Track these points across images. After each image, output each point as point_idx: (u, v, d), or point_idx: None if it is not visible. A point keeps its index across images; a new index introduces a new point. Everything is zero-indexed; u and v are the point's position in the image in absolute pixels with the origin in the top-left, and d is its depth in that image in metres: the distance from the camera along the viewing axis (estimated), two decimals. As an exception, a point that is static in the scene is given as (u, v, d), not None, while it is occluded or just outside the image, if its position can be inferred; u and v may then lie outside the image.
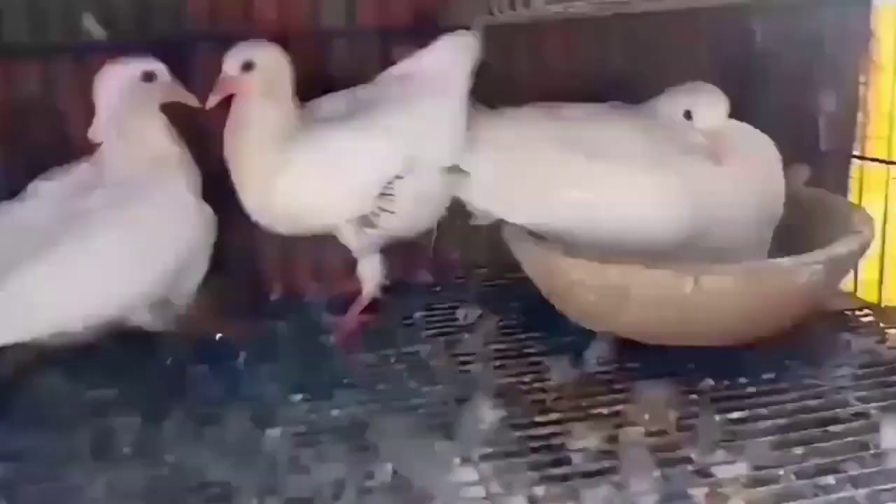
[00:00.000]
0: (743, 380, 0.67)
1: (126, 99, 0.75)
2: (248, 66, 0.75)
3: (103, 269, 0.71)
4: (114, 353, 0.79)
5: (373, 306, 0.87)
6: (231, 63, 0.75)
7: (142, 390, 0.72)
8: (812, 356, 0.70)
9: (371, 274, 0.83)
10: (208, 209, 0.78)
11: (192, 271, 0.78)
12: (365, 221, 0.79)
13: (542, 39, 0.96)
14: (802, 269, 0.65)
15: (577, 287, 0.71)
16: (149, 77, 0.76)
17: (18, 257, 0.69)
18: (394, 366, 0.75)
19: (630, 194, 0.76)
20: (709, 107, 0.77)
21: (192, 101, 0.77)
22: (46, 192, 0.75)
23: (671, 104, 0.79)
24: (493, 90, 0.90)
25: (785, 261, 0.66)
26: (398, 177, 0.78)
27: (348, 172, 0.77)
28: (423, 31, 0.87)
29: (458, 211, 0.93)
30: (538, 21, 0.90)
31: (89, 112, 0.77)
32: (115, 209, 0.72)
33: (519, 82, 0.95)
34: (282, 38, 0.80)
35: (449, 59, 0.82)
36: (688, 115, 0.77)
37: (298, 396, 0.69)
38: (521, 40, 0.95)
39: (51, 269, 0.69)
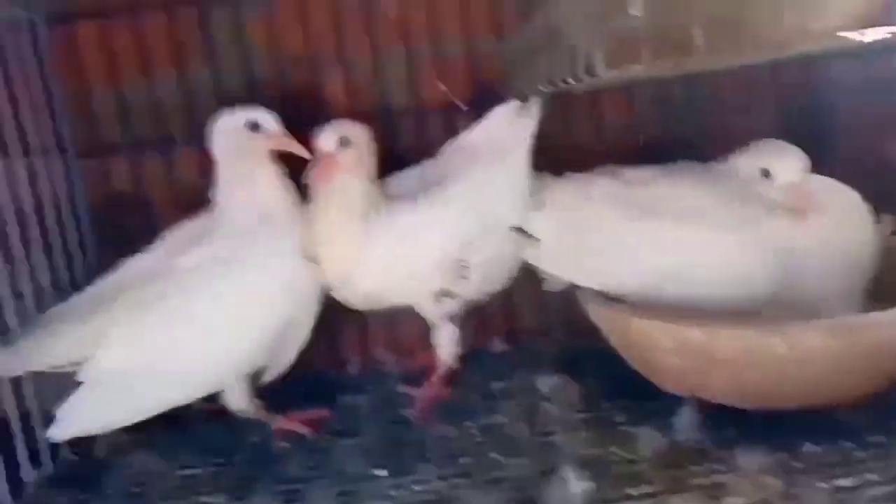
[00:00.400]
0: (848, 443, 0.63)
1: (233, 148, 0.78)
2: (345, 143, 0.78)
3: (203, 332, 0.71)
4: (201, 430, 0.82)
5: (449, 377, 0.87)
6: (328, 139, 0.77)
7: (229, 467, 0.73)
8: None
9: (448, 342, 0.83)
10: (312, 271, 0.78)
11: (294, 340, 0.78)
12: (443, 291, 0.80)
13: (601, 105, 0.97)
14: (894, 324, 0.61)
15: (659, 350, 0.69)
16: (254, 126, 0.78)
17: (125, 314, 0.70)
18: (474, 438, 0.74)
19: (705, 253, 0.74)
20: (787, 163, 0.75)
21: (301, 151, 0.79)
22: (163, 243, 0.77)
23: (746, 163, 0.78)
24: (555, 157, 0.91)
25: (876, 314, 0.63)
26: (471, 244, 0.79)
27: (429, 246, 0.79)
28: (484, 104, 0.90)
29: (531, 277, 0.94)
30: (597, 86, 0.91)
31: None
32: (218, 271, 0.73)
33: (580, 148, 0.96)
34: (351, 117, 0.84)
35: (507, 127, 0.84)
36: (766, 173, 0.76)
37: (382, 472, 0.69)
38: (581, 106, 0.97)
39: (149, 333, 0.70)
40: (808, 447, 0.63)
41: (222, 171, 0.78)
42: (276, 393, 0.84)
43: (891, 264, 0.75)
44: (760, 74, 0.96)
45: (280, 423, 0.79)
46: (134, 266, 0.76)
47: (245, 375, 0.77)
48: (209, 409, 0.82)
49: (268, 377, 0.80)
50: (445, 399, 0.83)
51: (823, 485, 0.58)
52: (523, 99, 0.85)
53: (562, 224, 0.83)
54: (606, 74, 0.62)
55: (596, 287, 0.79)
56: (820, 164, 0.77)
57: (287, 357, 0.79)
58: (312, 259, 0.78)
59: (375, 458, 0.71)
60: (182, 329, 0.71)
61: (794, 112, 0.96)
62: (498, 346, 0.98)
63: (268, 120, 0.79)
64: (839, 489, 0.57)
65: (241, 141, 0.78)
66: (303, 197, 0.81)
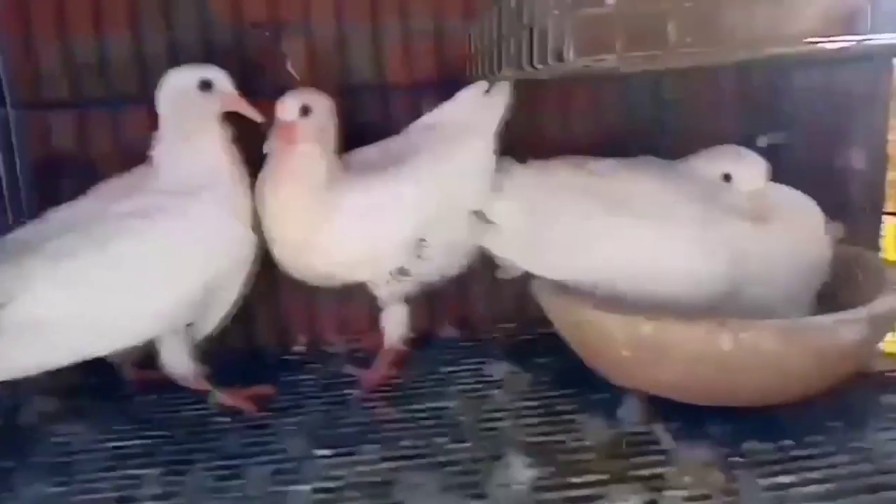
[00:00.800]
0: (788, 442, 0.64)
1: (182, 106, 0.74)
2: (305, 111, 0.75)
3: (127, 281, 0.68)
4: (136, 402, 0.79)
5: (397, 359, 0.85)
6: (290, 106, 0.74)
7: (163, 441, 0.71)
8: (857, 418, 0.67)
9: (396, 324, 0.82)
10: (249, 235, 0.75)
11: (222, 299, 0.76)
12: (400, 270, 0.79)
13: (569, 94, 0.97)
14: (844, 327, 0.63)
15: (610, 342, 0.69)
16: (206, 85, 0.75)
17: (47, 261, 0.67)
18: (421, 421, 0.73)
19: (663, 249, 0.75)
20: (749, 170, 0.76)
21: (252, 113, 0.76)
22: (95, 193, 0.74)
23: (708, 165, 0.78)
24: (520, 144, 0.91)
25: (827, 318, 0.65)
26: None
27: (390, 222, 0.77)
28: (450, 86, 0.89)
29: (485, 264, 0.94)
30: (566, 76, 0.91)
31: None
32: (149, 218, 0.70)
33: (546, 136, 0.96)
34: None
35: (474, 109, 0.83)
36: (727, 177, 0.77)
37: (323, 451, 0.67)
38: (549, 95, 0.96)
39: (72, 279, 0.67)
40: (750, 444, 0.64)
41: (166, 128, 0.75)
42: (218, 368, 0.81)
43: (834, 270, 0.77)
44: (727, 78, 0.97)
45: (221, 397, 0.77)
46: (62, 214, 0.73)
47: (178, 333, 0.74)
48: (144, 378, 0.79)
49: (194, 336, 0.77)
50: (392, 381, 0.82)
51: (763, 481, 0.58)
52: (491, 82, 0.84)
53: (521, 211, 0.82)
54: (577, 62, 0.62)
55: (551, 277, 0.79)
56: (777, 171, 0.78)
57: (214, 317, 0.77)
58: (264, 232, 0.76)
59: (317, 437, 0.70)
60: (106, 276, 0.68)
61: (757, 118, 0.98)
62: (449, 331, 0.97)
63: (221, 80, 0.76)
64: (778, 486, 0.58)
65: (191, 99, 0.75)
66: (252, 166, 0.78)
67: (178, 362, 0.75)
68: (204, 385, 0.77)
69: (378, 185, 0.77)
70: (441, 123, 0.83)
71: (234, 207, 0.75)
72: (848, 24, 0.62)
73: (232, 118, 0.78)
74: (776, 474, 0.59)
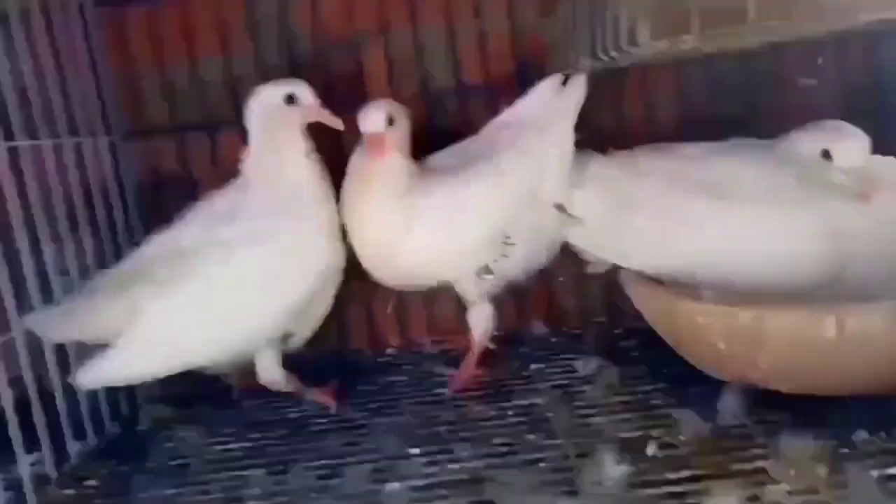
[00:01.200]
0: (902, 432, 0.60)
1: (268, 121, 0.78)
2: (391, 122, 0.77)
3: (234, 299, 0.73)
4: (241, 407, 0.83)
5: (488, 358, 0.86)
6: (377, 119, 0.77)
7: (267, 443, 0.74)
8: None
9: (482, 322, 0.82)
10: (339, 248, 0.79)
11: (315, 308, 0.80)
12: (485, 269, 0.79)
13: (651, 81, 0.94)
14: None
15: (705, 333, 0.67)
16: (291, 99, 0.79)
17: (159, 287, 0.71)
18: (511, 419, 0.73)
19: (756, 233, 0.72)
20: (849, 146, 0.72)
21: (335, 123, 0.79)
22: (194, 217, 0.78)
23: (806, 144, 0.74)
24: (603, 135, 0.90)
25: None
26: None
27: (475, 219, 0.78)
28: (528, 83, 0.88)
29: (572, 260, 0.93)
30: (647, 64, 0.89)
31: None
32: (246, 244, 0.73)
33: (630, 126, 0.94)
34: (394, 97, 0.85)
35: (551, 102, 0.83)
36: (825, 154, 0.73)
37: (416, 450, 0.68)
38: (631, 83, 0.94)
39: (181, 304, 0.72)
40: (859, 435, 0.61)
41: (255, 143, 0.79)
42: (316, 370, 0.85)
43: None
44: (823, 52, 0.92)
45: (314, 394, 0.81)
46: (168, 237, 0.77)
47: (274, 343, 0.78)
48: (246, 385, 0.83)
49: (293, 344, 0.81)
50: (482, 379, 0.82)
51: (873, 473, 0.55)
52: (569, 75, 0.83)
53: (608, 202, 0.81)
54: (651, 46, 0.60)
55: (640, 268, 0.77)
56: (882, 144, 0.73)
57: (311, 326, 0.81)
58: (352, 240, 0.79)
59: (411, 437, 0.71)
60: (211, 301, 0.72)
61: (858, 91, 0.92)
62: (539, 328, 0.96)
63: (304, 92, 0.79)
64: (891, 477, 0.54)
65: (277, 114, 0.78)
66: (332, 175, 0.81)
67: (272, 371, 0.78)
68: (296, 387, 0.80)
69: (457, 184, 0.78)
70: (517, 120, 0.83)
71: (322, 221, 0.78)
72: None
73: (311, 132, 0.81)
74: (888, 465, 0.56)
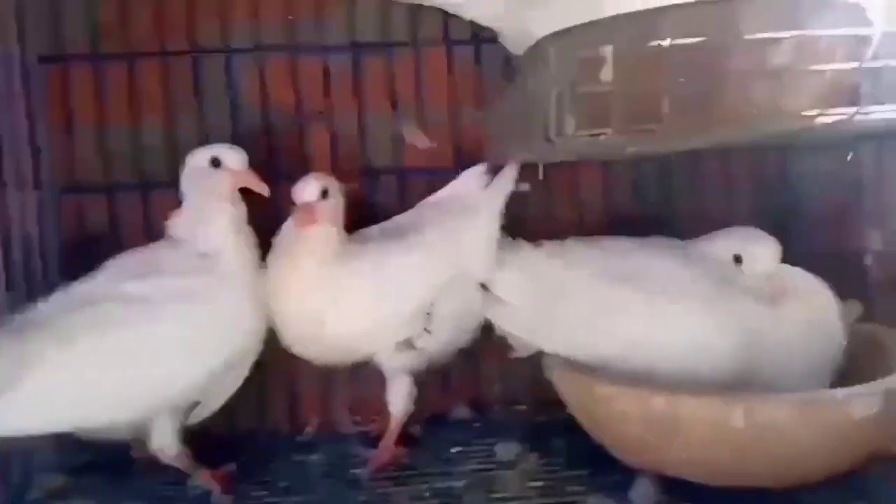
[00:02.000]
0: (807, 525, 0.61)
1: (197, 184, 0.78)
2: (325, 194, 0.78)
3: (127, 365, 0.69)
4: (141, 480, 0.78)
5: (407, 440, 0.84)
6: (312, 189, 0.77)
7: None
8: (878, 500, 0.64)
9: (401, 398, 0.81)
10: (260, 318, 0.77)
11: (229, 380, 0.77)
12: (407, 343, 0.79)
13: (580, 177, 0.99)
14: (858, 401, 0.61)
15: (622, 418, 0.68)
16: (216, 163, 0.78)
17: (59, 340, 0.68)
18: (427, 501, 0.71)
19: (676, 326, 0.74)
20: (761, 251, 0.76)
21: (262, 189, 0.79)
22: (111, 269, 0.75)
23: (720, 247, 0.79)
24: (533, 227, 0.93)
25: (840, 391, 0.63)
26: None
27: (397, 293, 0.79)
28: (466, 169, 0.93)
29: (498, 344, 0.93)
30: (575, 159, 0.94)
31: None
32: (166, 300, 0.71)
33: (559, 219, 0.98)
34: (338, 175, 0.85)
35: (480, 186, 0.87)
36: (738, 258, 0.77)
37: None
38: (561, 179, 0.99)
39: (83, 356, 0.68)
40: (767, 526, 0.61)
41: (185, 206, 0.79)
42: (228, 448, 0.82)
43: (853, 350, 0.75)
44: (739, 161, 0.99)
45: (201, 476, 0.76)
46: (79, 289, 0.74)
47: (177, 411, 0.75)
48: (148, 459, 0.79)
49: (196, 417, 0.78)
50: (401, 460, 0.80)
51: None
52: (502, 165, 0.87)
53: (534, 289, 0.83)
54: (576, 137, 0.64)
55: (563, 354, 0.79)
56: (785, 252, 0.78)
57: (219, 398, 0.78)
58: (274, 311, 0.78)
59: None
60: (110, 357, 0.69)
61: (770, 200, 0.99)
62: (462, 412, 0.95)
63: (231, 157, 0.79)
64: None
65: (205, 177, 0.78)
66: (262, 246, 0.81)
67: (166, 441, 0.74)
68: (186, 465, 0.76)
69: (382, 256, 0.79)
70: (447, 200, 0.86)
71: (245, 288, 0.76)
72: (847, 100, 0.64)
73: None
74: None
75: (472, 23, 0.94)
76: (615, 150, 0.76)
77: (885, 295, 0.89)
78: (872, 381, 0.64)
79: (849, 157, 0.92)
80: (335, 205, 0.79)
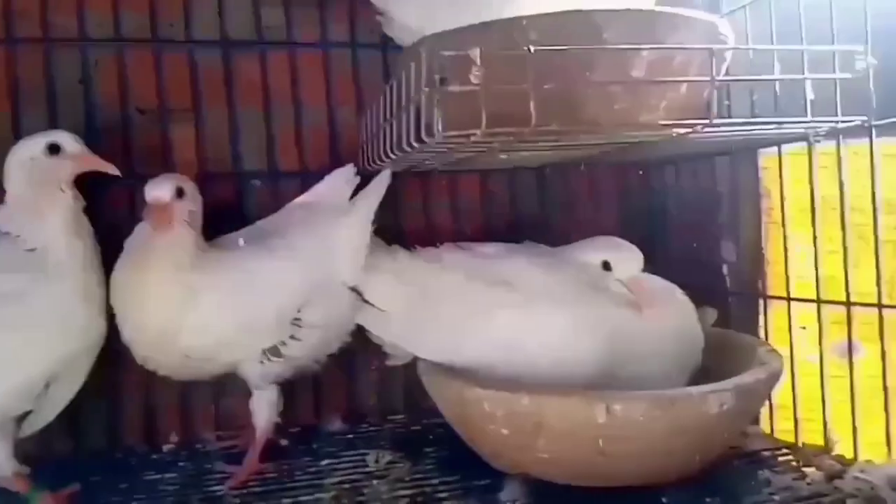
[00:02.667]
0: (663, 520, 0.63)
1: (29, 176, 0.71)
2: (180, 193, 0.73)
3: None
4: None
5: (276, 453, 0.80)
6: (164, 189, 0.72)
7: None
8: (732, 494, 0.67)
9: (266, 409, 0.77)
10: (99, 321, 0.71)
11: (63, 387, 0.71)
12: (273, 351, 0.76)
13: (458, 186, 0.99)
14: (712, 397, 0.63)
15: (490, 420, 0.68)
16: (54, 149, 0.72)
17: None
18: (289, 514, 0.68)
19: (542, 329, 0.75)
20: (627, 259, 0.79)
21: (110, 169, 0.74)
22: None
23: (589, 253, 0.80)
24: (412, 235, 0.93)
25: (694, 389, 0.66)
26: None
27: (262, 300, 0.75)
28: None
29: (374, 354, 0.91)
30: (457, 168, 0.94)
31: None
32: None
33: (437, 228, 0.98)
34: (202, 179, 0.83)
35: (343, 188, 0.85)
36: (606, 266, 0.79)
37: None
38: (440, 189, 0.99)
39: None
40: (626, 522, 0.63)
41: (12, 201, 0.72)
42: (78, 468, 0.76)
43: (708, 353, 0.79)
44: (606, 177, 1.03)
45: (40, 499, 0.69)
46: None
47: (4, 428, 0.68)
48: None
49: (30, 428, 0.71)
50: (266, 474, 0.76)
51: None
52: (376, 170, 0.86)
53: (409, 295, 0.82)
54: (446, 137, 0.64)
55: (436, 359, 0.78)
56: (651, 262, 0.81)
57: (55, 406, 0.72)
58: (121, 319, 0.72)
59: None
60: None
61: (634, 212, 1.03)
62: (336, 424, 0.92)
63: (69, 141, 0.73)
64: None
65: (39, 167, 0.72)
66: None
67: None
68: (23, 487, 0.69)
69: (245, 261, 0.76)
70: (315, 203, 0.84)
71: (80, 286, 0.70)
72: (701, 113, 0.67)
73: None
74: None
75: (350, 25, 0.93)
76: (488, 154, 0.76)
77: (738, 302, 0.94)
78: (725, 380, 0.67)
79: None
80: (192, 206, 0.75)
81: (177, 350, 0.73)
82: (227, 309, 0.73)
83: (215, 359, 0.76)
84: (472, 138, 0.64)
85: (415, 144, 0.68)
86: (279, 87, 0.93)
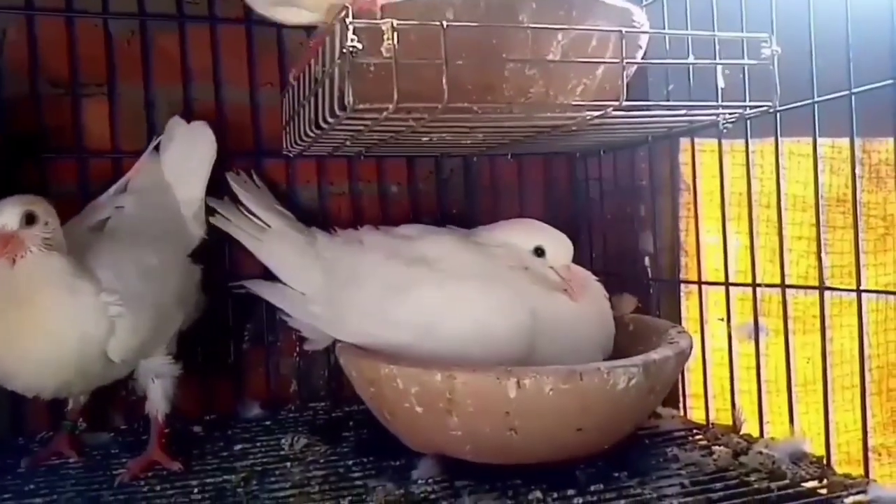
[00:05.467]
0: (571, 491, 0.63)
1: None
2: (30, 219, 0.67)
3: None
4: None
5: (187, 440, 0.79)
6: (9, 215, 0.66)
7: None
8: (641, 469, 0.68)
9: (158, 398, 0.75)
10: None
11: None
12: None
13: (385, 172, 0.99)
14: (620, 372, 0.64)
15: (404, 398, 0.67)
16: None
17: None
18: (194, 497, 0.66)
19: (462, 308, 0.74)
20: (560, 247, 0.79)
21: None
22: None
23: (519, 237, 0.80)
24: (339, 221, 0.92)
25: (604, 364, 0.66)
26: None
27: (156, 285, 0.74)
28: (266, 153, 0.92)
29: (296, 339, 0.90)
30: (382, 153, 0.94)
31: None
32: None
33: (364, 215, 0.97)
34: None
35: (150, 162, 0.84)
36: (538, 250, 0.79)
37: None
38: (367, 173, 0.98)
39: None
40: (535, 495, 0.63)
41: None
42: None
43: (625, 336, 0.81)
44: (533, 166, 1.04)
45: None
46: None
47: None
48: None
49: None
50: (169, 462, 0.73)
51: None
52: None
53: (328, 278, 0.81)
54: (357, 111, 0.64)
55: (356, 341, 0.77)
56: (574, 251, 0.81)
57: None
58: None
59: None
60: None
61: (558, 201, 1.04)
62: (254, 410, 0.90)
63: None
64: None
65: None
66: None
67: None
68: None
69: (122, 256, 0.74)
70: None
71: None
72: (614, 96, 0.68)
73: None
74: (554, 518, 0.58)
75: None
76: (407, 134, 0.76)
77: (658, 291, 0.96)
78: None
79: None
80: (46, 234, 0.68)
81: (98, 370, 0.71)
82: (144, 314, 0.72)
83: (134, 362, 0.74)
84: (385, 113, 0.63)
85: (330, 120, 0.67)
86: (199, 65, 0.91)
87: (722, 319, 0.89)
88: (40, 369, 0.68)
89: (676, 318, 0.97)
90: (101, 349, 0.69)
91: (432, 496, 0.64)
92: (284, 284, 0.84)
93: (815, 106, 0.71)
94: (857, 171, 1.18)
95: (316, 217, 0.94)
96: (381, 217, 0.97)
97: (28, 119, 0.84)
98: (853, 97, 0.67)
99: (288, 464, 0.73)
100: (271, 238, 0.86)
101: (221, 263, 0.90)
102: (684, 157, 0.99)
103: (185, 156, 0.85)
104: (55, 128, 0.86)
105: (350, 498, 0.64)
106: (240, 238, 0.86)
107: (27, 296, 0.66)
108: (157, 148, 0.86)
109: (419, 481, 0.66)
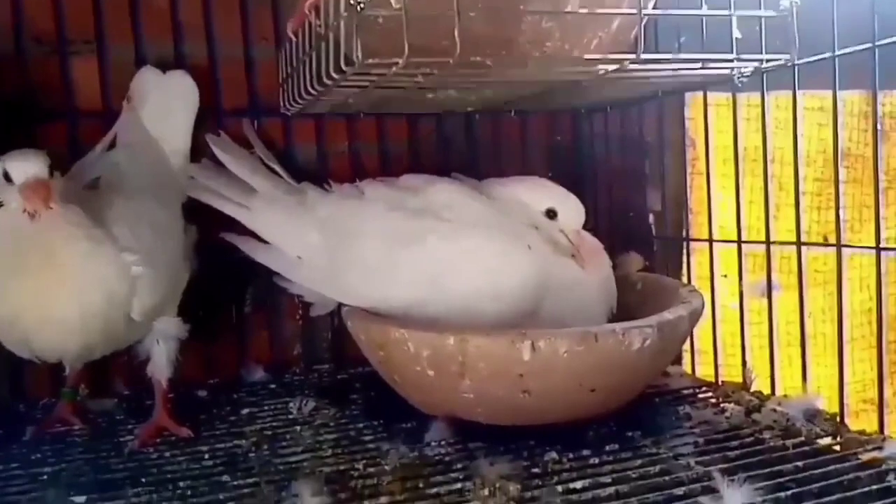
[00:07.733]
0: (586, 452, 0.63)
1: None
2: (53, 170, 0.65)
3: None
4: None
5: (193, 405, 0.78)
6: (41, 164, 0.64)
7: None
8: (654, 428, 0.68)
9: (163, 363, 0.74)
10: None
11: None
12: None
13: (386, 130, 0.96)
14: (635, 333, 0.64)
15: (415, 362, 0.66)
16: None
17: None
18: (206, 462, 0.65)
19: (470, 261, 0.72)
20: (573, 211, 0.77)
21: None
22: None
23: (533, 195, 0.77)
24: (340, 177, 0.89)
25: (618, 325, 0.65)
26: None
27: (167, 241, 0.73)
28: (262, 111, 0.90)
29: (299, 304, 0.88)
30: (384, 110, 0.91)
31: None
32: None
33: (366, 170, 0.94)
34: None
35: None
36: (550, 213, 0.76)
37: (80, 498, 0.57)
38: (367, 132, 0.95)
39: None
40: (550, 456, 0.63)
41: None
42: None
43: (634, 296, 0.80)
44: (536, 123, 1.01)
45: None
46: None
47: None
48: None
49: None
50: (177, 427, 0.72)
51: (559, 488, 0.56)
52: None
53: (327, 239, 0.79)
54: (366, 66, 0.61)
55: (361, 304, 0.75)
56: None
57: None
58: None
59: (79, 485, 0.60)
60: None
61: (563, 159, 1.02)
62: (259, 374, 0.89)
63: None
64: (572, 490, 0.56)
65: None
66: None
67: None
68: None
69: (132, 207, 0.72)
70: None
71: None
72: (629, 51, 0.66)
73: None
74: (572, 481, 0.58)
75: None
76: (413, 91, 0.73)
77: (664, 249, 0.95)
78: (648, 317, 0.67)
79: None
80: (61, 182, 0.67)
81: (121, 329, 0.68)
82: (163, 269, 0.70)
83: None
84: (394, 68, 0.61)
85: (335, 76, 0.65)
86: (190, 19, 0.87)
87: (725, 276, 0.88)
88: (65, 330, 0.65)
89: (680, 277, 0.96)
90: (126, 309, 0.67)
91: (447, 458, 0.63)
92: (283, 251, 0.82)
93: (836, 59, 0.69)
94: (862, 124, 1.19)
95: (315, 178, 0.91)
96: (383, 175, 0.94)
97: (15, 80, 0.81)
98: (876, 50, 0.65)
99: (298, 427, 0.72)
100: (257, 204, 0.81)
101: (219, 224, 0.88)
102: (690, 113, 0.97)
103: (166, 108, 0.82)
104: (43, 88, 0.82)
105: (365, 461, 0.63)
106: (223, 208, 0.82)
107: (50, 252, 0.64)
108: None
109: (432, 443, 0.66)
